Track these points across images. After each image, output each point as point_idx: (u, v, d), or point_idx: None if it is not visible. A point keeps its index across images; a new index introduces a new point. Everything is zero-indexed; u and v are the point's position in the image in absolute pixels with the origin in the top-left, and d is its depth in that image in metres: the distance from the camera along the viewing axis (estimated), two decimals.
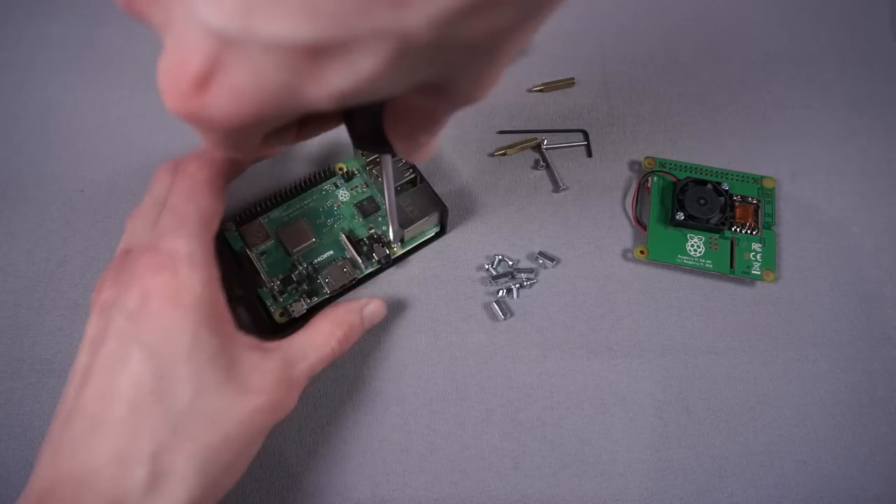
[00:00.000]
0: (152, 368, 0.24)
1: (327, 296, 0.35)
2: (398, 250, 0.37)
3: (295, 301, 0.35)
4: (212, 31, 0.13)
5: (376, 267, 0.36)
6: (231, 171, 0.30)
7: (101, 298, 0.26)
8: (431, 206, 0.36)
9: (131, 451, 0.24)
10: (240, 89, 0.14)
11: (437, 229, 0.38)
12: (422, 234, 0.37)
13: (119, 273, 0.26)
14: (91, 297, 0.27)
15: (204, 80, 0.14)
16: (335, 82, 0.13)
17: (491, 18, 0.14)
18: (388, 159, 0.29)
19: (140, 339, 0.24)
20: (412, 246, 0.37)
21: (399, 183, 0.37)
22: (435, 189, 0.36)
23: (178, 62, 0.14)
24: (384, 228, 0.37)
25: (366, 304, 0.33)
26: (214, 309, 0.26)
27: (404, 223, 0.35)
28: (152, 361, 0.24)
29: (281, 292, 0.35)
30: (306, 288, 0.35)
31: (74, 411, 0.24)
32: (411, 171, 0.37)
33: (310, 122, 0.24)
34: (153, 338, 0.24)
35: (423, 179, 0.37)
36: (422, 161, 0.22)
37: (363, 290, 0.37)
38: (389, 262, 0.36)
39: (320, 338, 0.30)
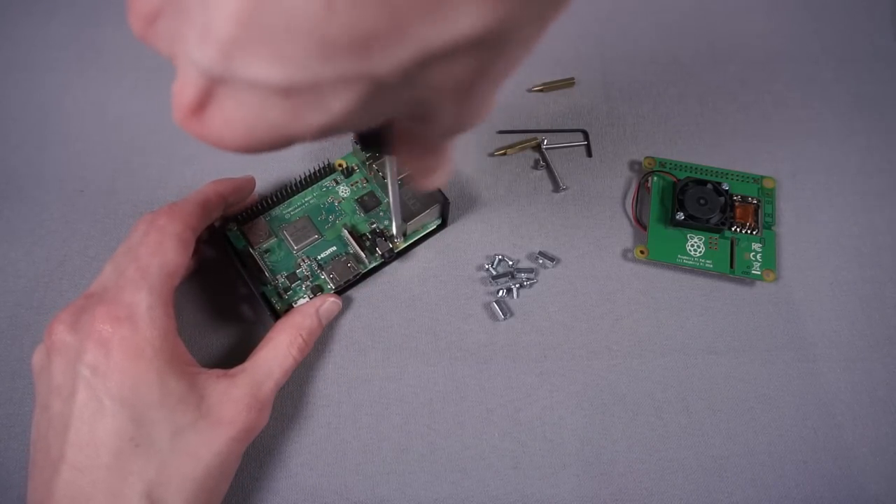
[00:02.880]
0: (128, 417, 0.26)
1: (332, 291, 0.35)
2: (401, 244, 0.37)
3: (300, 298, 0.35)
4: (201, 69, 0.14)
5: (379, 261, 0.36)
6: (201, 225, 0.31)
7: (57, 340, 0.27)
8: (432, 198, 0.36)
9: (126, 491, 0.26)
10: (231, 119, 0.15)
11: (438, 222, 0.38)
12: (423, 227, 0.37)
13: (77, 317, 0.27)
14: (45, 332, 0.28)
15: (198, 109, 0.15)
16: (312, 120, 0.15)
17: (456, 67, 0.15)
18: (392, 157, 0.29)
19: (110, 391, 0.26)
20: (414, 239, 0.37)
21: (399, 177, 0.37)
22: None
23: (179, 90, 0.16)
24: (386, 223, 0.37)
25: (320, 304, 0.34)
26: (175, 355, 0.28)
27: (406, 216, 0.35)
28: (127, 411, 0.26)
29: (286, 289, 0.35)
30: (311, 284, 0.35)
31: (60, 461, 0.26)
32: None
33: None
34: (123, 390, 0.26)
35: None
36: (436, 186, 0.23)
37: (365, 286, 0.37)
38: (393, 256, 0.36)
39: (282, 350, 0.31)
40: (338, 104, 0.15)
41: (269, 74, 0.14)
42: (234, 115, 0.15)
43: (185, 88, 0.15)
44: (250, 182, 0.36)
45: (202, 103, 0.15)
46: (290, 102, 0.15)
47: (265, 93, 0.14)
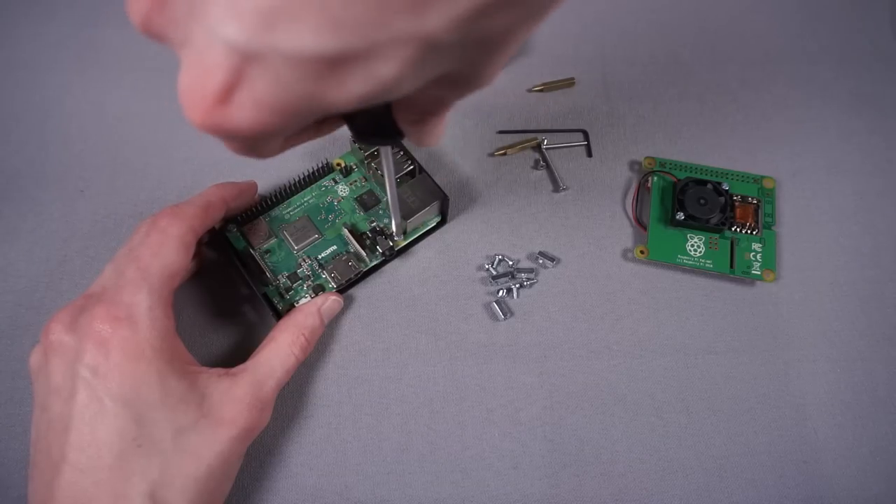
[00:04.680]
0: (130, 418, 0.26)
1: (333, 290, 0.35)
2: (401, 242, 0.37)
3: (302, 297, 0.35)
4: (233, 46, 0.13)
5: (380, 259, 0.36)
6: (202, 227, 0.31)
7: (55, 340, 0.27)
8: (432, 195, 0.36)
9: (129, 492, 0.25)
10: (262, 100, 0.14)
11: (438, 219, 0.38)
12: (423, 224, 0.37)
13: (75, 317, 0.27)
14: (42, 331, 0.28)
15: (227, 94, 0.14)
16: (356, 88, 0.14)
17: (507, 14, 0.14)
18: (387, 151, 0.29)
19: (111, 391, 0.26)
20: (415, 237, 0.37)
21: (398, 175, 0.37)
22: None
23: (201, 77, 0.14)
24: (386, 221, 0.37)
25: (322, 303, 0.34)
26: (175, 355, 0.28)
27: (406, 214, 0.35)
28: (128, 411, 0.26)
29: (287, 290, 0.35)
30: (312, 284, 0.35)
31: (61, 461, 0.25)
32: (410, 162, 0.37)
33: (329, 119, 0.24)
34: (124, 390, 0.26)
35: (422, 170, 0.37)
36: (432, 146, 0.22)
37: (366, 285, 0.37)
38: (393, 254, 0.36)
39: (284, 349, 0.31)
40: (387, 69, 0.13)
41: (317, 44, 0.12)
42: (265, 94, 0.14)
43: (210, 74, 0.13)
44: (252, 186, 0.36)
45: (231, 88, 0.14)
46: (334, 72, 0.13)
47: (307, 65, 0.13)
